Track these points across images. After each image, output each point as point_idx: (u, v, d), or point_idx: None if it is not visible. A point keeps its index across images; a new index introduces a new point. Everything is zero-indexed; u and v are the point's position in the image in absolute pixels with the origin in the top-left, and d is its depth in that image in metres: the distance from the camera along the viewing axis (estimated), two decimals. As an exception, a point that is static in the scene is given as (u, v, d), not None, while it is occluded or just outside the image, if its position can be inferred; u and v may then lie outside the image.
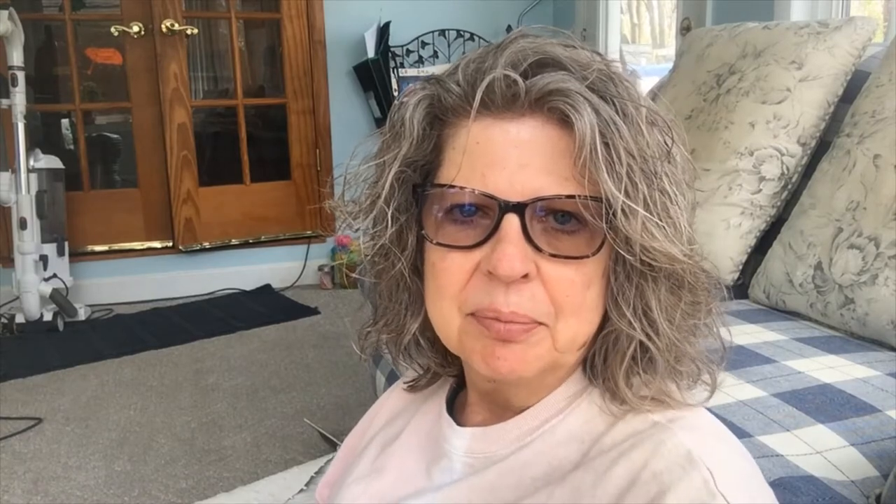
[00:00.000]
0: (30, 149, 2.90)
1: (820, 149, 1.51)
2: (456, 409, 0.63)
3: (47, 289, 2.90)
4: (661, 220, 0.49)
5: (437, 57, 3.56)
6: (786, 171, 1.53)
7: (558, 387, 0.56)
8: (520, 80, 0.50)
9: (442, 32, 3.56)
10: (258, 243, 3.54)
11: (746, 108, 1.57)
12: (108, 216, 3.37)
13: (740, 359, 1.12)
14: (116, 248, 3.38)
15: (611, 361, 0.54)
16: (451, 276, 0.52)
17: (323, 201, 0.61)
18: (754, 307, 1.43)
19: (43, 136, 3.74)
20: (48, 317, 2.91)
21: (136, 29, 3.27)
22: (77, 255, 3.22)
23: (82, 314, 3.06)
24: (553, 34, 0.54)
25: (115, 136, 4.06)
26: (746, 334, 1.24)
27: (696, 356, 0.55)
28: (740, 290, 1.52)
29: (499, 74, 0.50)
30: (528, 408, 0.56)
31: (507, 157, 0.50)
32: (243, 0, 4.00)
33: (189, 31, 3.32)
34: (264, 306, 3.24)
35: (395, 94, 3.36)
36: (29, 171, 2.89)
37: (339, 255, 3.50)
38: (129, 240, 3.40)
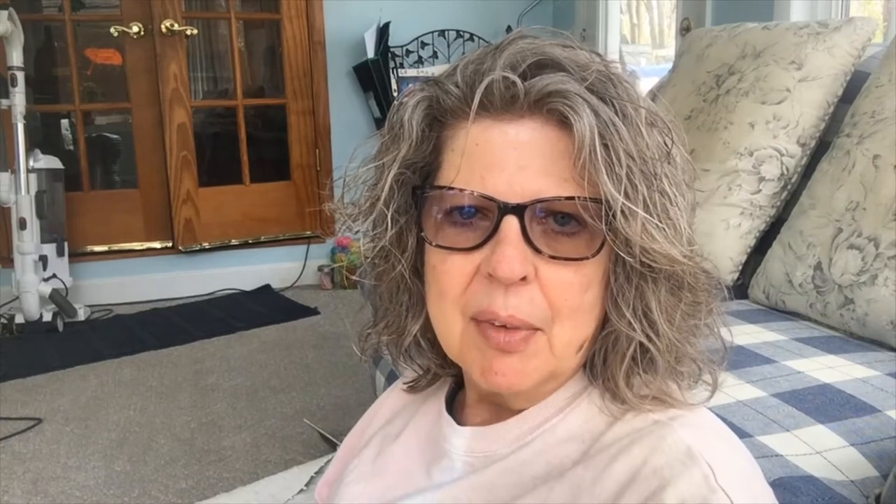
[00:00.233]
0: (29, 149, 2.90)
1: (819, 149, 1.51)
2: (455, 408, 0.63)
3: (47, 289, 2.90)
4: (660, 222, 0.49)
5: (437, 57, 3.56)
6: (785, 172, 1.53)
7: (558, 390, 0.56)
8: (518, 81, 0.50)
9: (442, 33, 3.56)
10: (258, 244, 3.54)
11: (746, 109, 1.57)
12: (107, 216, 3.37)
13: (740, 359, 1.12)
14: (116, 248, 3.39)
15: (611, 362, 0.54)
16: (451, 278, 0.52)
17: (322, 204, 0.61)
18: (754, 307, 1.43)
19: (43, 137, 3.74)
20: (48, 317, 2.91)
21: (135, 29, 3.27)
22: (77, 256, 3.22)
23: (82, 314, 3.06)
24: (552, 35, 0.54)
25: (115, 136, 4.06)
26: (746, 334, 1.24)
27: (696, 356, 0.55)
28: (740, 290, 1.52)
29: (497, 76, 0.50)
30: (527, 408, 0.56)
31: (506, 158, 0.50)
32: (243, 0, 4.00)
33: (189, 32, 3.32)
34: (264, 307, 3.24)
35: (395, 94, 3.36)
36: (28, 171, 2.89)
37: (339, 256, 3.50)
38: (129, 240, 3.40)
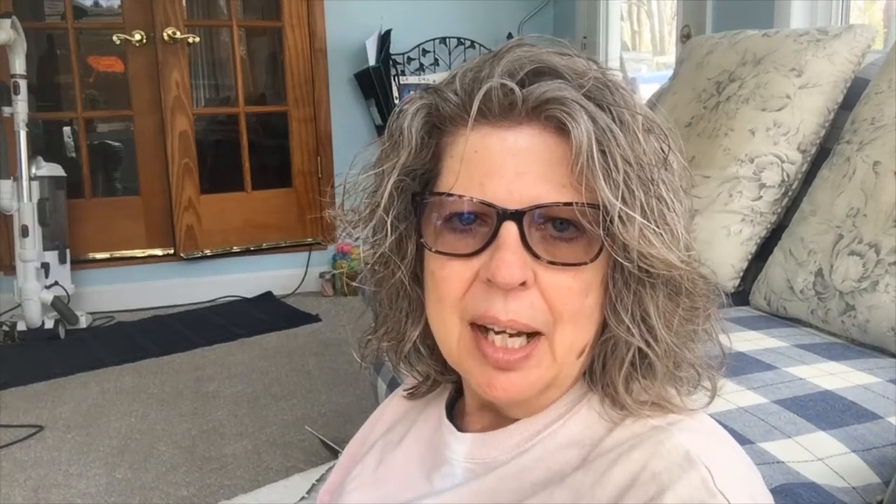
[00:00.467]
0: (32, 157, 2.91)
1: (820, 156, 1.51)
2: (456, 415, 0.63)
3: (49, 296, 2.91)
4: (658, 227, 0.49)
5: (438, 64, 3.57)
6: (786, 178, 1.53)
7: (558, 398, 0.56)
8: (516, 88, 0.50)
9: (443, 40, 3.57)
10: (259, 251, 3.54)
11: (746, 116, 1.57)
12: (109, 224, 3.37)
13: (741, 365, 1.12)
14: (118, 255, 3.39)
15: (610, 367, 0.54)
16: (450, 284, 0.52)
17: (323, 211, 0.61)
18: (755, 314, 1.43)
19: (45, 144, 3.74)
20: (49, 324, 2.92)
21: (137, 37, 3.28)
22: (78, 263, 3.22)
23: (83, 322, 3.06)
24: (550, 43, 0.54)
25: (117, 143, 4.07)
26: (747, 341, 1.24)
27: (695, 362, 0.55)
28: (741, 296, 1.52)
29: (496, 83, 0.50)
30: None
31: (505, 165, 0.50)
32: (245, 8, 4.01)
33: (191, 40, 3.33)
34: (265, 313, 3.24)
35: (396, 101, 3.37)
36: (31, 178, 2.89)
37: (340, 262, 3.51)
38: (131, 247, 3.41)
